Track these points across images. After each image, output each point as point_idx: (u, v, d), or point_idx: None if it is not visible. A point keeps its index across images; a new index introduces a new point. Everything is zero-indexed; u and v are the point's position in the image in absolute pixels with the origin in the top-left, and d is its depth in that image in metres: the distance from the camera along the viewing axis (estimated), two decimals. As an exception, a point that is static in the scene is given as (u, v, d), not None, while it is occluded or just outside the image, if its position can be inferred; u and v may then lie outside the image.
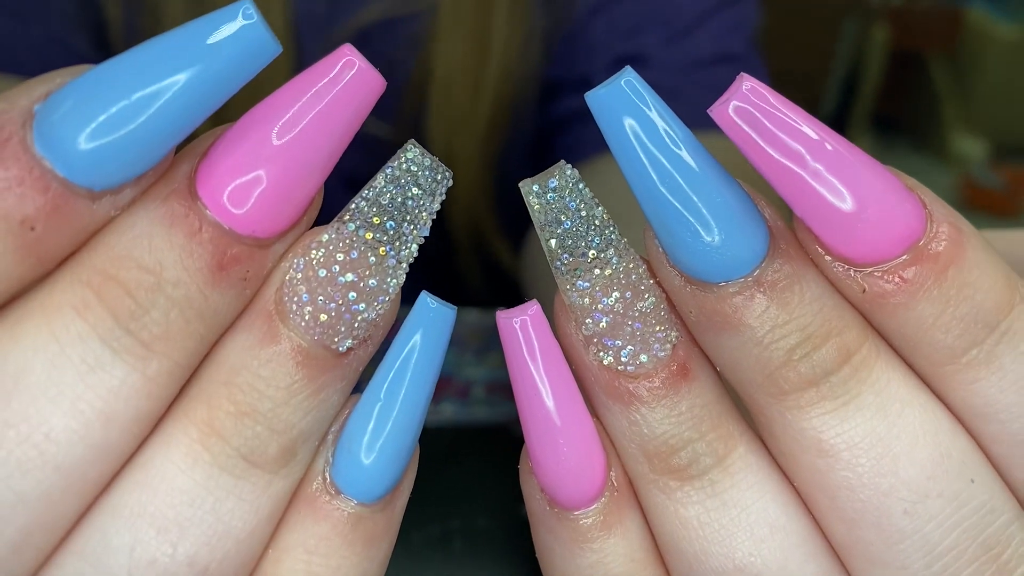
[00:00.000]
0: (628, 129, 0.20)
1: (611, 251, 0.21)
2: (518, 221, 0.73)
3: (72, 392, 0.18)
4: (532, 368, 0.21)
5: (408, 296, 0.21)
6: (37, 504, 0.18)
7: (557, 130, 0.74)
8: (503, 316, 0.21)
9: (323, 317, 0.20)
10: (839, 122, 2.24)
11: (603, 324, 0.21)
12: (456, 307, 0.21)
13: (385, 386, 0.20)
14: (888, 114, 2.34)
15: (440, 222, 0.76)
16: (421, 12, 0.69)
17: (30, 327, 0.18)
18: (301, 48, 0.69)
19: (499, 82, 0.70)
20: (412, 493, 0.48)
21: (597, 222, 0.21)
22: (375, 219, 0.20)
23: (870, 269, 0.20)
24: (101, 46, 0.66)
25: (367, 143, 0.73)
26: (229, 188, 0.19)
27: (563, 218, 0.21)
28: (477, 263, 0.75)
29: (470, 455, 0.52)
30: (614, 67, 0.74)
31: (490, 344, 0.63)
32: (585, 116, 0.72)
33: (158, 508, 0.19)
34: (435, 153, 0.72)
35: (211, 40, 0.18)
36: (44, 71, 0.62)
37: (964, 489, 0.20)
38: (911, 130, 2.38)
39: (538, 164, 0.77)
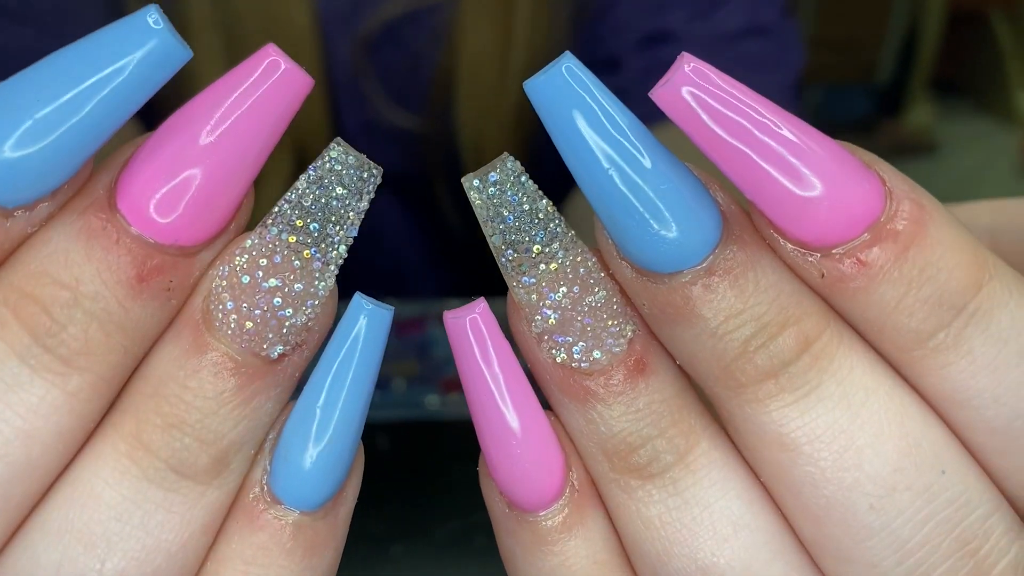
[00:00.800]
0: (569, 117, 0.19)
1: (556, 245, 0.20)
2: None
3: None
4: (482, 367, 0.20)
5: (472, 292, 0.20)
6: None
7: None
8: (450, 315, 0.20)
9: (248, 324, 0.19)
10: (897, 88, 2.18)
11: (552, 320, 0.20)
12: (392, 308, 0.20)
13: (322, 391, 0.20)
14: (948, 77, 2.27)
15: (474, 212, 0.76)
16: (445, 2, 0.69)
17: None
18: (327, 46, 0.69)
19: (526, 68, 0.69)
20: (435, 488, 0.48)
21: (541, 215, 0.20)
22: (298, 222, 0.19)
23: (829, 252, 0.19)
24: None
25: (400, 137, 0.74)
26: (149, 197, 0.18)
27: (505, 212, 0.20)
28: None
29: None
30: (641, 46, 0.72)
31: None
32: (617, 96, 0.72)
33: (85, 524, 0.19)
34: (465, 142, 0.71)
35: (118, 50, 0.17)
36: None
37: (935, 481, 0.19)
38: (973, 92, 2.30)
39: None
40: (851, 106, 2.37)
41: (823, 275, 0.19)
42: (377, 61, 0.70)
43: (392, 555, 0.45)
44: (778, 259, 0.19)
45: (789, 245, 0.19)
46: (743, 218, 0.20)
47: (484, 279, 0.76)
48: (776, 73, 0.69)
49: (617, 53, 0.70)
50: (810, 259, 0.19)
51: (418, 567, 0.43)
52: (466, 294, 0.74)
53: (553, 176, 0.85)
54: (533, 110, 0.66)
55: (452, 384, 0.56)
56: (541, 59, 0.70)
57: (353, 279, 0.21)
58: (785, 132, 0.18)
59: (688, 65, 0.18)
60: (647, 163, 0.19)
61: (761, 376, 0.19)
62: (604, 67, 0.71)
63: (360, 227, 0.20)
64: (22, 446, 0.18)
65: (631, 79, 0.69)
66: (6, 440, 0.18)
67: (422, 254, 0.76)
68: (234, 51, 0.67)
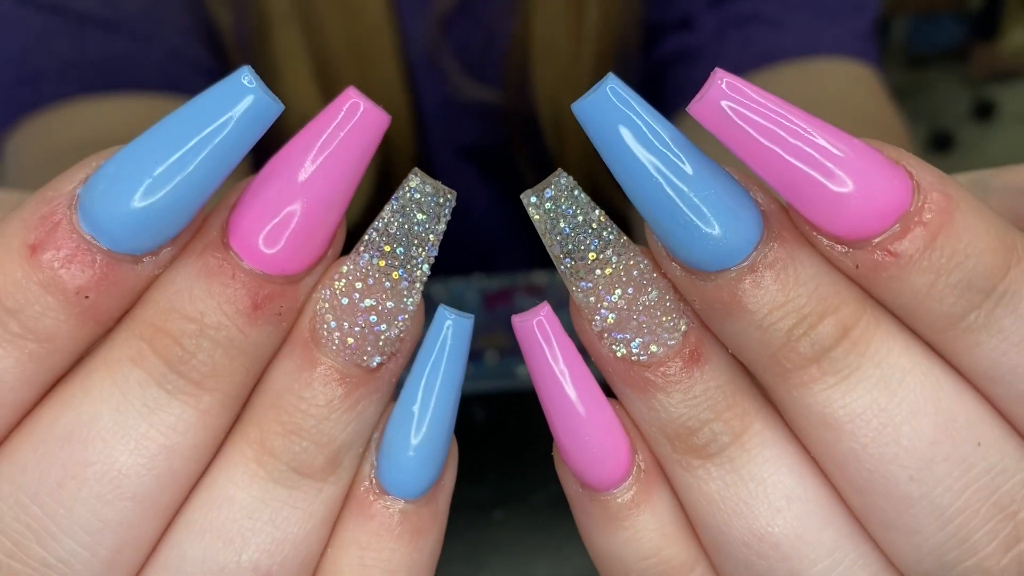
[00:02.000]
0: (615, 134, 0.20)
1: (609, 251, 0.22)
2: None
3: (137, 432, 0.21)
4: (550, 363, 0.22)
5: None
6: (120, 528, 0.21)
7: (661, 74, 0.74)
8: (518, 319, 0.22)
9: (350, 340, 0.22)
10: (991, 11, 2.09)
11: (610, 320, 0.22)
12: (472, 316, 0.22)
13: (417, 393, 0.23)
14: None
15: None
16: None
17: (97, 380, 0.21)
18: (402, 25, 0.71)
19: (600, 34, 0.70)
20: (531, 456, 0.51)
21: (594, 225, 0.22)
22: (385, 247, 0.22)
23: (862, 244, 0.20)
24: (217, 53, 0.70)
25: (479, 112, 0.75)
26: (257, 234, 0.21)
27: (561, 224, 0.22)
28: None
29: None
30: (713, 4, 0.72)
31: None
32: (687, 57, 0.71)
33: (223, 523, 0.22)
34: (544, 113, 0.73)
35: (218, 110, 0.20)
36: (170, 86, 0.67)
37: (971, 452, 0.20)
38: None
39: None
40: (943, 34, 2.29)
41: (858, 266, 0.20)
42: (452, 37, 0.72)
43: (495, 519, 0.47)
44: (815, 253, 0.21)
45: (825, 240, 0.21)
46: (782, 216, 0.21)
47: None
48: (853, 19, 0.67)
49: (689, 12, 0.70)
50: (845, 252, 0.20)
51: (519, 529, 0.46)
52: (552, 265, 0.76)
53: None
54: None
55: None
56: (614, 25, 0.70)
57: (441, 254, 0.23)
58: (816, 136, 0.20)
59: (722, 80, 0.20)
60: (690, 171, 0.20)
61: (804, 362, 0.21)
62: (677, 27, 0.71)
63: None
64: (165, 459, 0.21)
65: (704, 37, 0.69)
66: (152, 455, 0.21)
67: (507, 227, 0.78)
68: (312, 39, 0.69)
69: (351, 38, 0.70)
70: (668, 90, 0.73)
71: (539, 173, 0.77)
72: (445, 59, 0.72)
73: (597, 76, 0.74)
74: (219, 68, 0.71)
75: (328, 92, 0.71)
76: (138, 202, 0.20)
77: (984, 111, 2.40)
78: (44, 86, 0.63)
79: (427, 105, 0.74)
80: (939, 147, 2.55)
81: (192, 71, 0.67)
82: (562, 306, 0.71)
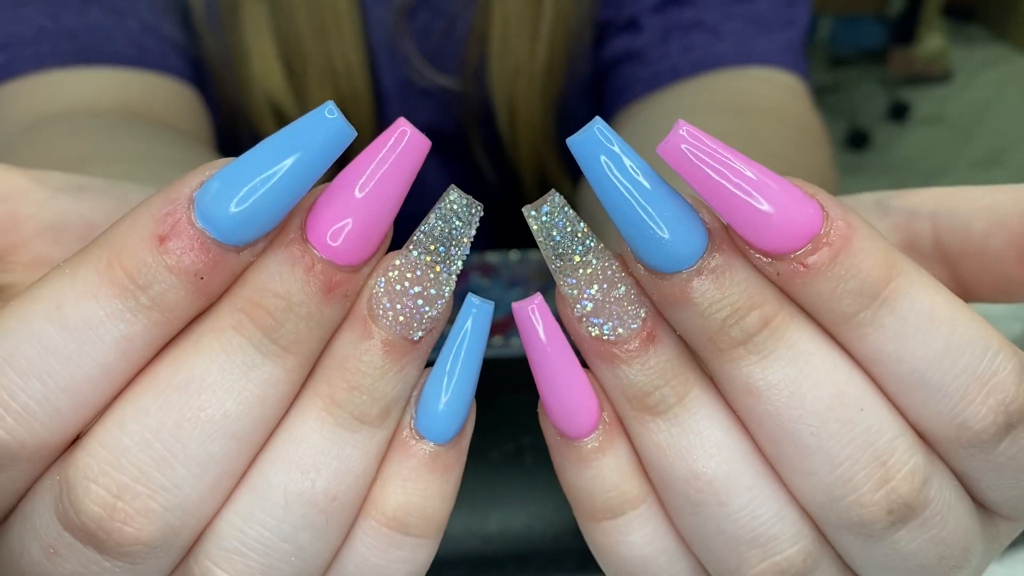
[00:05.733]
0: (599, 163, 0.25)
1: (591, 255, 0.27)
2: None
3: (238, 385, 0.25)
4: (541, 339, 0.27)
5: (509, 243, 0.26)
6: (223, 460, 0.25)
7: (607, 72, 0.78)
8: (518, 306, 0.28)
9: (401, 319, 0.26)
10: (910, 16, 2.16)
11: (588, 308, 0.27)
12: (493, 302, 0.28)
13: (448, 362, 0.27)
14: (962, 4, 2.25)
15: (507, 166, 0.81)
16: None
17: (206, 343, 0.25)
18: (367, 12, 0.74)
19: (555, 29, 0.73)
20: (490, 417, 0.57)
21: (580, 234, 0.27)
22: (431, 246, 0.26)
23: (782, 257, 0.25)
24: (188, 28, 0.72)
25: (436, 96, 0.79)
26: (330, 232, 0.25)
27: (554, 233, 0.27)
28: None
29: (537, 381, 0.57)
30: (658, 8, 0.76)
31: (551, 283, 0.67)
32: (632, 57, 0.75)
33: (300, 457, 0.26)
34: (498, 100, 0.77)
35: (306, 135, 0.24)
36: (143, 61, 0.70)
37: (856, 415, 0.26)
38: (987, 19, 2.28)
39: (595, 105, 0.80)
40: (864, 36, 2.36)
41: (779, 273, 0.25)
42: (413, 24, 0.74)
43: (455, 474, 0.51)
44: (747, 262, 0.25)
45: (755, 253, 0.25)
46: (723, 232, 0.26)
47: (519, 230, 0.82)
48: (786, 31, 0.72)
49: (636, 15, 0.74)
50: (769, 262, 0.25)
51: (477, 482, 0.49)
52: (504, 245, 0.80)
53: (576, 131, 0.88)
54: (561, 69, 0.71)
55: (494, 328, 0.62)
56: (569, 21, 0.74)
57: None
58: (751, 174, 0.24)
59: (683, 129, 0.24)
60: (655, 195, 0.25)
61: (734, 344, 0.26)
62: (624, 28, 0.75)
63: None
64: (259, 406, 0.25)
65: (649, 40, 0.73)
66: (249, 403, 0.25)
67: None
68: (280, 20, 0.71)
69: (317, 20, 0.72)
70: (613, 87, 0.77)
71: (492, 157, 0.81)
72: (406, 45, 0.74)
73: (550, 69, 0.79)
74: (191, 46, 0.72)
75: (293, 72, 0.73)
76: (243, 205, 0.24)
77: (899, 112, 2.46)
78: (17, 52, 0.63)
79: (387, 87, 0.76)
80: (856, 145, 2.61)
81: (165, 48, 0.68)
82: (515, 284, 0.75)
